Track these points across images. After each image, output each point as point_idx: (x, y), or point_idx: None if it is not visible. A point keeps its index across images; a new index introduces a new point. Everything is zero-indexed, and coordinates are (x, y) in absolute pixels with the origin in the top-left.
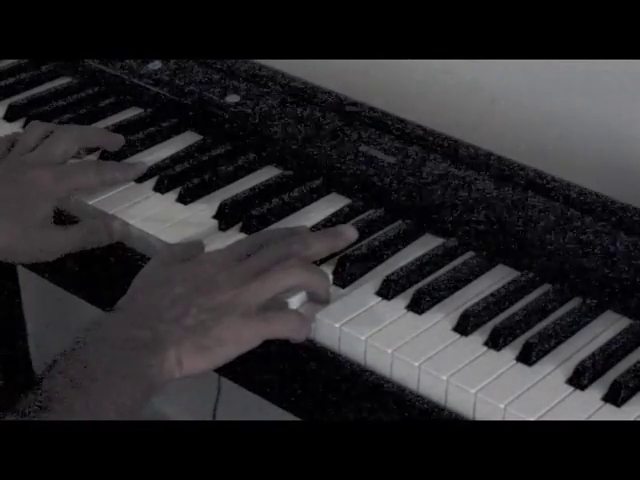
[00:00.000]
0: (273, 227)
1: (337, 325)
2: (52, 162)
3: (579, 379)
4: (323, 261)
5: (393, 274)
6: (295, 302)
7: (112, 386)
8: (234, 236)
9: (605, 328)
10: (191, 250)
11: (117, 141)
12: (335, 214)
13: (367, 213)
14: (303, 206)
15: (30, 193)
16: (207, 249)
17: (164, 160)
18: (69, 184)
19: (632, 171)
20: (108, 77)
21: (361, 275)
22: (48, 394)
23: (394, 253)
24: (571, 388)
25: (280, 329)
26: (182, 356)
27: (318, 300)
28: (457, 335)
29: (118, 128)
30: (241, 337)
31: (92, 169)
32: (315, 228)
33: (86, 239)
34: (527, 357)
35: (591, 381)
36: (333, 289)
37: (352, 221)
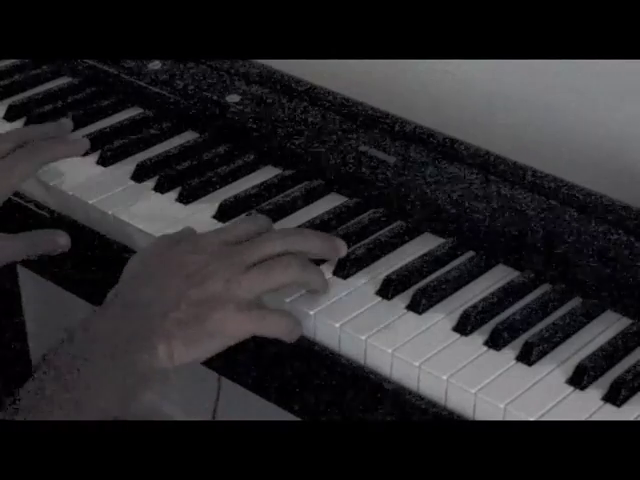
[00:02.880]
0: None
1: (337, 325)
2: None
3: (579, 379)
4: (319, 263)
5: (393, 274)
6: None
7: (101, 382)
8: None
9: (605, 328)
10: (183, 237)
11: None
12: (335, 214)
13: (367, 213)
14: (303, 206)
15: None
16: None
17: (164, 160)
18: (10, 182)
19: (632, 171)
20: (108, 77)
21: (361, 275)
22: (37, 391)
23: (394, 253)
24: (571, 388)
25: (271, 328)
26: (173, 349)
27: (314, 292)
28: (457, 335)
29: (118, 128)
30: (231, 331)
31: (31, 154)
32: (315, 228)
33: (29, 250)
34: (527, 357)
35: (591, 381)
36: (333, 289)
37: (352, 221)
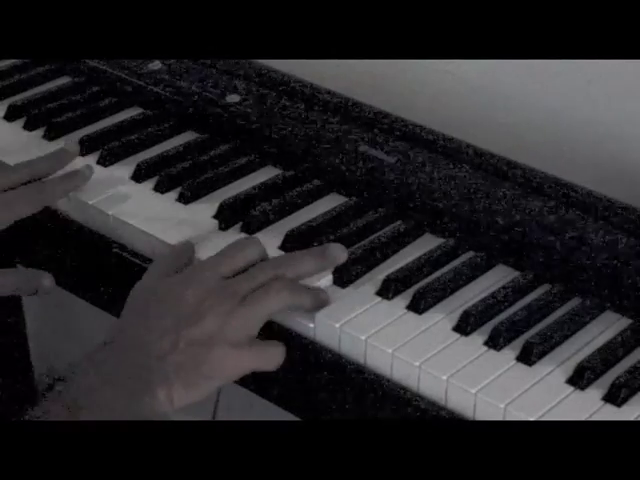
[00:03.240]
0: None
1: (337, 325)
2: None
3: (579, 379)
4: None
5: (393, 274)
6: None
7: (103, 416)
8: (234, 236)
9: (605, 328)
10: (182, 258)
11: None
12: (335, 214)
13: (367, 213)
14: (303, 206)
15: None
16: (207, 249)
17: (164, 160)
18: (9, 216)
19: (632, 171)
20: (108, 77)
21: (361, 275)
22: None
23: (394, 253)
24: (571, 388)
25: (267, 364)
26: (173, 394)
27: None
28: (457, 335)
29: (118, 128)
30: (229, 371)
31: (33, 194)
32: (315, 228)
33: (13, 287)
34: (527, 357)
35: (591, 381)
36: (333, 289)
37: (352, 221)
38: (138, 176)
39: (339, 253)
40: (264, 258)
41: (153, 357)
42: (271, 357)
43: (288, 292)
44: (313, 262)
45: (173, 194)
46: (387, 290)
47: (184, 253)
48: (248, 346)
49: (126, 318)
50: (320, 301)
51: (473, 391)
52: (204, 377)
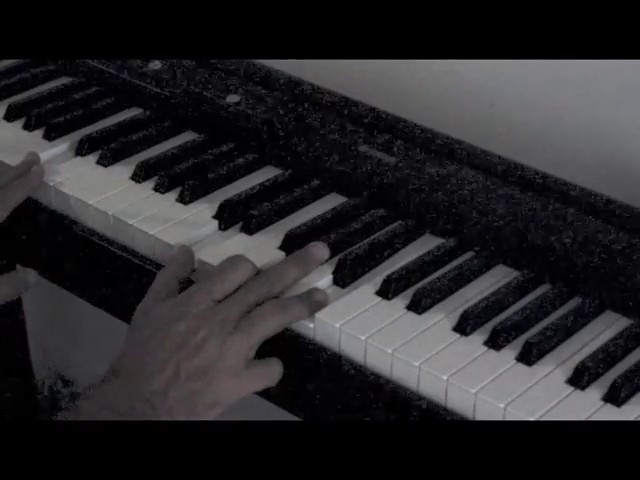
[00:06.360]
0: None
1: (337, 325)
2: None
3: (579, 379)
4: None
5: (393, 274)
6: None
7: None
8: (234, 236)
9: (605, 328)
10: (182, 272)
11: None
12: (335, 214)
13: (367, 213)
14: (303, 206)
15: None
16: (207, 249)
17: (164, 160)
18: None
19: (632, 171)
20: (108, 77)
21: (361, 275)
22: None
23: (394, 253)
24: (571, 388)
25: (267, 382)
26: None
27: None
28: (457, 335)
29: (118, 128)
30: (231, 397)
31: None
32: (315, 228)
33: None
34: (527, 357)
35: (591, 381)
36: (333, 289)
37: (352, 221)
38: (138, 176)
39: (320, 252)
40: (253, 274)
41: (156, 392)
42: (269, 376)
43: (280, 313)
44: (297, 269)
45: (173, 194)
46: (387, 290)
47: (184, 267)
48: (246, 370)
49: (127, 348)
50: (317, 303)
51: (473, 391)
52: (207, 406)
